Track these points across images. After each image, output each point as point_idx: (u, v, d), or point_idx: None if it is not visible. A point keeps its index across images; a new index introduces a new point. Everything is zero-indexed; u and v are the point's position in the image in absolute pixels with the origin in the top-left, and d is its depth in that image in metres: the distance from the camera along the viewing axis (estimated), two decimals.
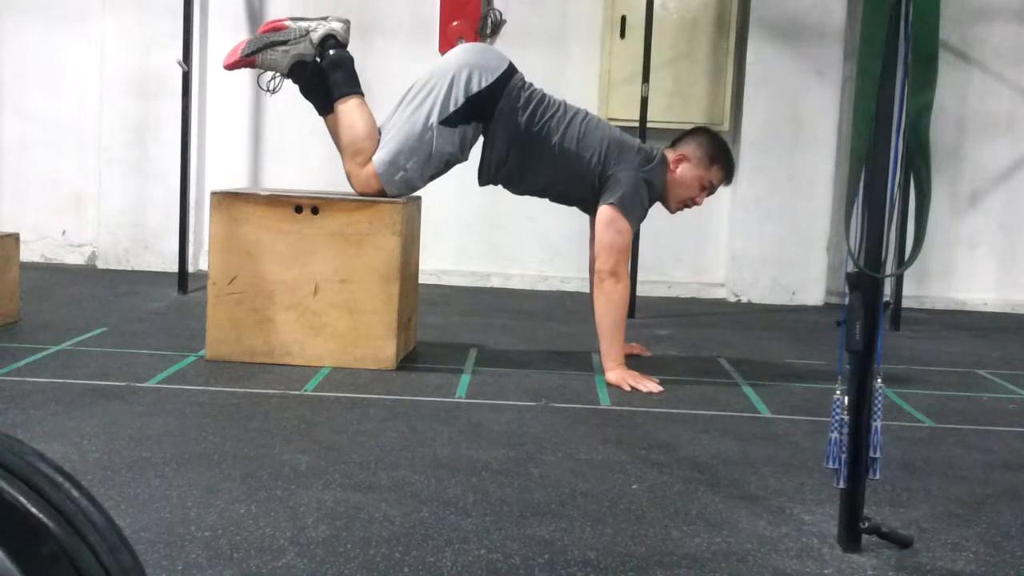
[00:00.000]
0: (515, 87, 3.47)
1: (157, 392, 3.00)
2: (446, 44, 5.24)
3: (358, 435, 2.63)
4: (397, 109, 3.52)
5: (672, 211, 3.68)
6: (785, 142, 5.48)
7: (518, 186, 3.60)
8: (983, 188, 5.67)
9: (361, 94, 3.53)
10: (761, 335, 4.54)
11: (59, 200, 5.84)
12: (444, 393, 3.14)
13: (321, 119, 3.58)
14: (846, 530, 1.99)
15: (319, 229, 3.36)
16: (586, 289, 3.99)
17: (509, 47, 5.09)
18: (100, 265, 5.76)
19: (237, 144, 5.76)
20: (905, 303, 5.10)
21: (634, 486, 2.32)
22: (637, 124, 4.80)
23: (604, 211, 3.44)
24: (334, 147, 3.60)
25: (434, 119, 3.43)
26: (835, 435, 1.95)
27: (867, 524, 1.97)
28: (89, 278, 5.35)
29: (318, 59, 3.49)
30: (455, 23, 5.44)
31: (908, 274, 5.07)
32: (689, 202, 3.61)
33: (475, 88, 3.43)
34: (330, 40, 3.47)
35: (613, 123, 3.84)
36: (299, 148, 5.62)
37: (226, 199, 3.40)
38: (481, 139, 3.53)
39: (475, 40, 5.29)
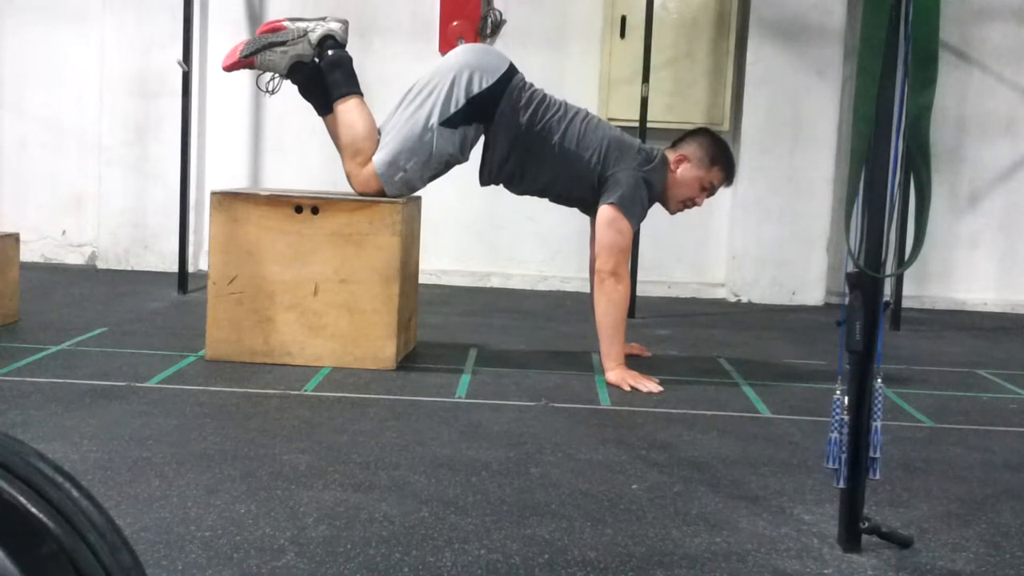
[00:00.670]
0: (516, 88, 3.47)
1: (157, 392, 3.00)
2: (446, 44, 5.23)
3: (358, 435, 2.63)
4: (397, 109, 3.52)
5: (672, 212, 3.67)
6: (785, 142, 5.48)
7: (519, 186, 3.60)
8: (983, 188, 5.67)
9: (360, 94, 3.53)
10: (761, 335, 4.54)
11: (59, 200, 5.84)
12: (444, 393, 3.14)
13: (321, 119, 3.59)
14: (846, 530, 1.99)
15: (319, 229, 3.36)
16: (586, 289, 3.99)
17: (509, 47, 5.09)
18: (100, 265, 5.76)
19: (237, 144, 5.76)
20: (905, 303, 5.10)
21: (634, 486, 2.32)
22: (637, 124, 4.80)
23: (604, 211, 3.44)
24: (334, 147, 3.60)
25: (435, 120, 3.43)
26: (835, 435, 1.95)
27: (867, 524, 1.97)
28: (89, 278, 5.35)
29: (316, 59, 3.50)
30: (455, 23, 5.43)
31: (908, 274, 5.07)
32: (689, 203, 3.61)
33: (476, 89, 3.43)
34: (328, 40, 3.47)
35: (613, 123, 3.84)
36: (299, 148, 5.63)
37: (226, 199, 3.40)
38: (482, 140, 3.53)
39: (475, 40, 5.29)
